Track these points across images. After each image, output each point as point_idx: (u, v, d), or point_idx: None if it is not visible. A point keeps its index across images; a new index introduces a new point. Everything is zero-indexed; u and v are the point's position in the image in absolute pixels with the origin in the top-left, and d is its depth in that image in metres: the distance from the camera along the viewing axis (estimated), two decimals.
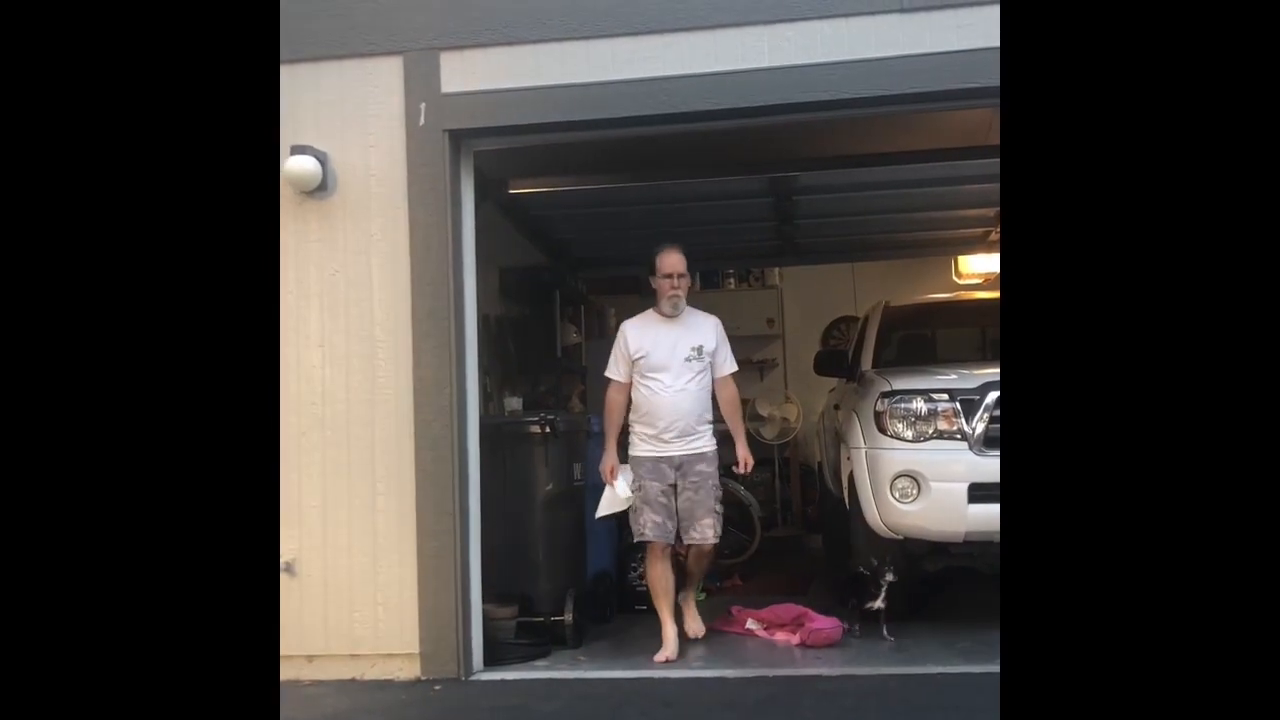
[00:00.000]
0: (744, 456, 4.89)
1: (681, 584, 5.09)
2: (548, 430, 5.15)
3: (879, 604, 4.78)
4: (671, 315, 4.83)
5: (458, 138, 4.68)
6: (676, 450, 4.76)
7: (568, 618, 4.97)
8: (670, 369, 4.75)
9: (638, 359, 4.80)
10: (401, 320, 4.60)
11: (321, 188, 4.62)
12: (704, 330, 4.87)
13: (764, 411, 8.44)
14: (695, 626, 5.06)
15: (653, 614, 5.76)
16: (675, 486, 4.75)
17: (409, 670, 4.52)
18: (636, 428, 4.84)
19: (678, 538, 4.85)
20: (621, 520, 6.31)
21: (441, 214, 4.59)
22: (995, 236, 8.71)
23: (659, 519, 4.74)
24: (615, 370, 4.88)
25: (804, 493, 9.09)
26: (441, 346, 4.56)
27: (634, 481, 4.79)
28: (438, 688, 4.37)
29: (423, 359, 4.57)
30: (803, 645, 4.83)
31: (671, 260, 4.82)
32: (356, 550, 4.56)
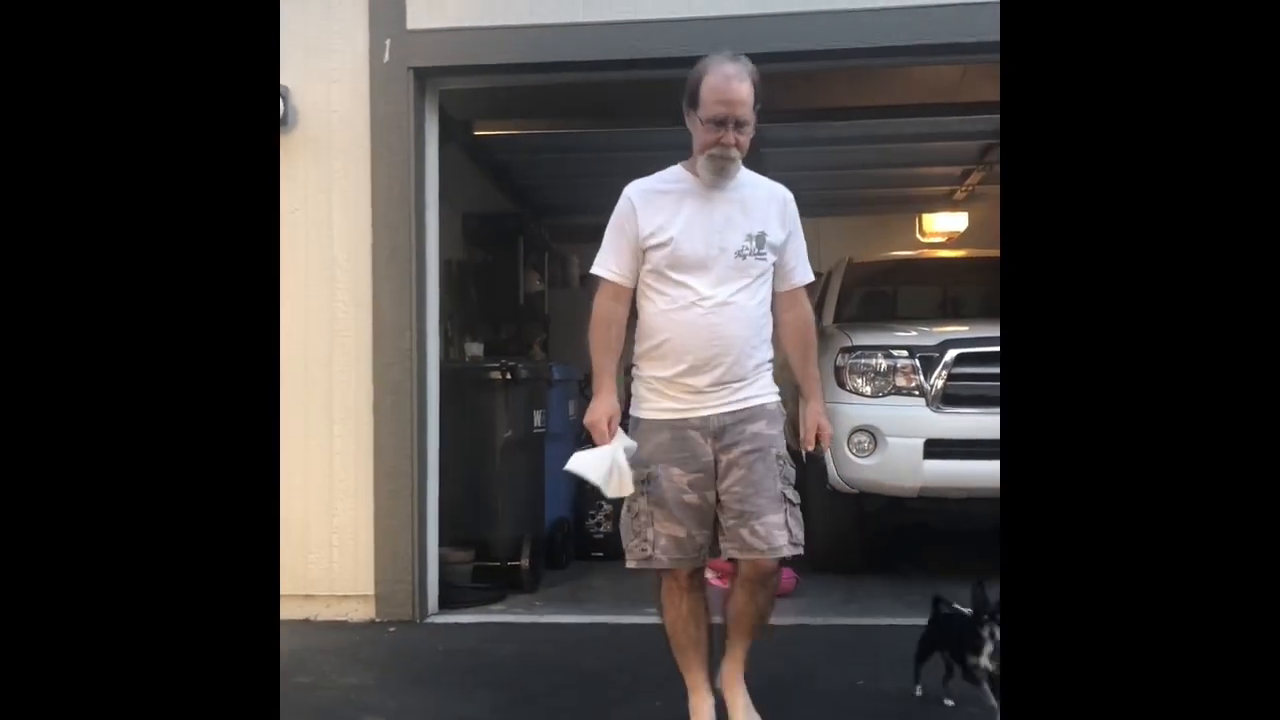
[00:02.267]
0: (816, 422, 2.92)
1: (716, 638, 3.00)
2: (509, 377, 5.13)
3: (985, 660, 2.96)
4: (713, 183, 2.83)
5: (423, 76, 4.58)
6: (715, 406, 2.80)
7: (524, 563, 4.99)
8: (710, 268, 2.78)
9: (653, 247, 2.81)
10: (362, 261, 4.53)
11: (283, 123, 4.51)
12: (767, 208, 2.87)
13: None
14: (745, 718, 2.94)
15: (610, 561, 5.82)
16: (714, 466, 2.81)
17: (363, 612, 4.52)
18: (645, 369, 2.89)
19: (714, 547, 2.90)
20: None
21: (405, 154, 4.51)
22: (960, 195, 8.76)
23: (680, 532, 2.81)
24: (609, 262, 2.87)
25: None
26: (402, 289, 4.50)
27: (639, 459, 2.81)
28: (392, 629, 4.38)
29: (383, 301, 4.52)
30: None
31: (730, 89, 2.76)
32: (312, 492, 4.54)
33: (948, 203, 9.05)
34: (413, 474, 4.49)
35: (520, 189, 8.33)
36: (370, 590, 4.51)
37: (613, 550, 5.82)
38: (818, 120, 6.27)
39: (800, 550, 2.81)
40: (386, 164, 4.52)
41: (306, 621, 4.48)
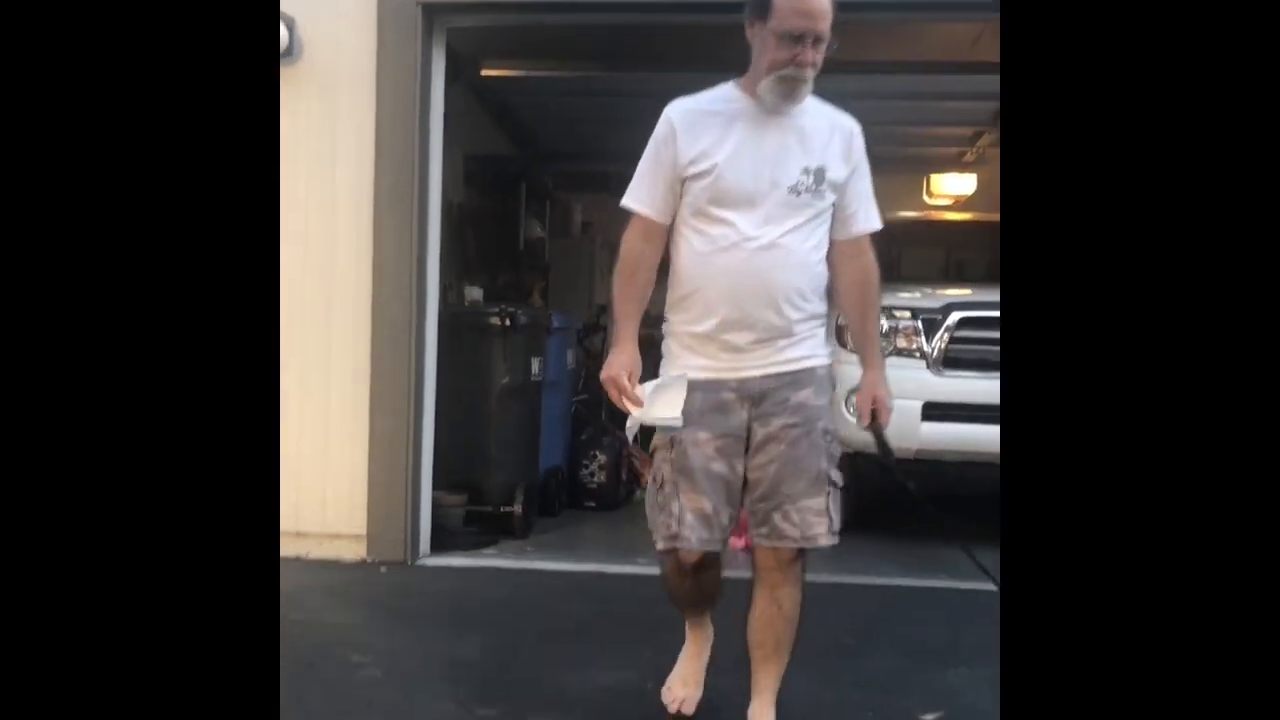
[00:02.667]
0: (873, 394, 2.52)
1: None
2: (508, 323, 5.10)
3: None
4: (776, 107, 2.43)
5: (431, 12, 4.49)
6: (756, 367, 2.44)
7: (517, 509, 4.99)
8: (758, 205, 2.40)
9: (694, 176, 2.42)
10: (364, 198, 4.48)
11: (288, 54, 4.43)
12: (829, 140, 2.48)
13: None
14: None
15: (602, 511, 5.85)
16: (746, 435, 2.45)
17: (355, 551, 4.52)
18: (676, 322, 2.52)
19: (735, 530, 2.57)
20: (578, 414, 6.34)
21: (410, 91, 4.43)
22: (970, 157, 8.68)
23: (707, 507, 2.44)
24: (641, 194, 2.49)
25: None
26: (404, 228, 4.45)
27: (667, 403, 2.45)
28: (384, 570, 4.39)
29: (384, 239, 4.47)
30: (747, 550, 4.90)
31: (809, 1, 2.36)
32: (307, 428, 4.52)
33: (957, 164, 8.97)
34: (408, 415, 4.48)
35: (525, 133, 8.23)
36: (363, 530, 4.51)
37: (606, 500, 5.88)
38: (831, 73, 6.17)
39: (837, 539, 2.47)
40: (391, 100, 4.44)
41: (298, 559, 4.48)
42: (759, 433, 2.43)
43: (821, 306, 2.52)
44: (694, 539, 2.45)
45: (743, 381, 2.44)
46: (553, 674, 3.17)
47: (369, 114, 4.46)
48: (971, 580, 4.40)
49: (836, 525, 2.46)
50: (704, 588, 2.64)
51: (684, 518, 2.44)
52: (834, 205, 2.49)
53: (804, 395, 2.44)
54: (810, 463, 2.43)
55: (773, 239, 2.41)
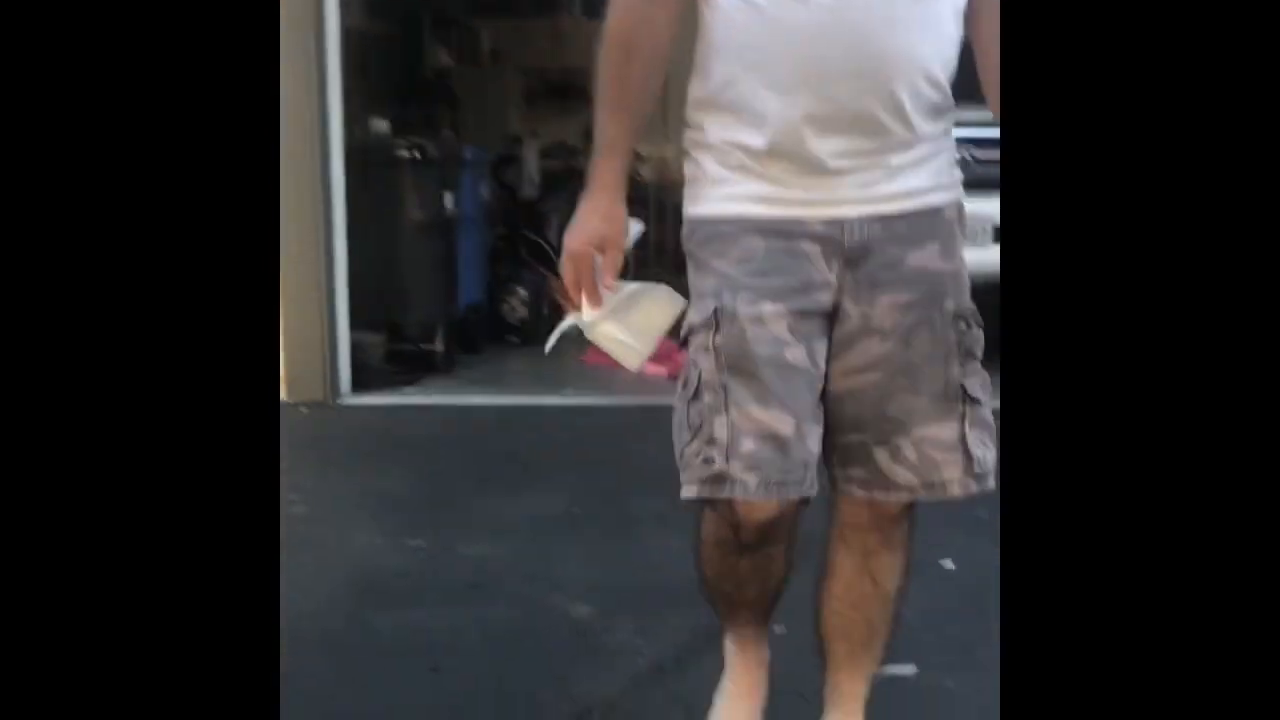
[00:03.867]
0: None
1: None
2: (417, 156, 4.93)
3: None
4: None
5: None
6: (853, 199, 1.42)
7: (438, 346, 4.96)
8: None
9: None
10: None
11: None
12: None
13: (643, 152, 8.29)
14: None
15: (526, 346, 5.81)
16: (833, 312, 1.44)
17: None
18: (714, 129, 1.46)
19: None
20: (497, 249, 6.24)
21: None
22: None
23: (784, 426, 1.39)
24: None
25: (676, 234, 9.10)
26: (301, 56, 4.21)
27: (707, 289, 1.46)
28: (304, 410, 4.35)
29: (281, 68, 4.23)
30: (671, 377, 4.95)
31: None
32: None
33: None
34: (318, 254, 4.36)
35: None
36: (280, 371, 4.45)
37: (530, 336, 5.85)
38: None
39: (990, 486, 1.47)
40: None
41: None
42: (852, 314, 1.45)
43: (951, 103, 1.48)
44: (753, 482, 1.40)
45: (833, 223, 1.43)
46: (481, 504, 3.20)
47: None
48: None
49: (985, 465, 1.48)
50: (762, 572, 1.59)
51: (737, 444, 1.40)
52: None
53: (926, 256, 1.46)
54: (934, 368, 1.47)
55: None
